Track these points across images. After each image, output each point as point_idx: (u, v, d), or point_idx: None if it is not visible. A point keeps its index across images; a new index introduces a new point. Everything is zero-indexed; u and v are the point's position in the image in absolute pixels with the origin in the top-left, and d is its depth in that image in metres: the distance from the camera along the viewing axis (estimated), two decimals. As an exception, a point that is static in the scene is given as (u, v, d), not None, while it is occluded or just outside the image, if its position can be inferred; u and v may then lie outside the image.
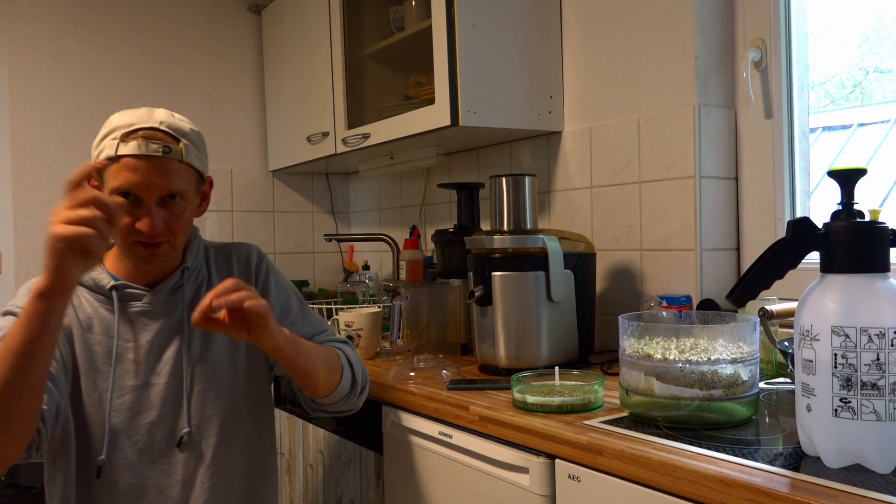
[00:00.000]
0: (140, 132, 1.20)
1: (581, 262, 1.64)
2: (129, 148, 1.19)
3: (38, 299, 1.03)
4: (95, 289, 1.30)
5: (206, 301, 1.11)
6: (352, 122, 2.31)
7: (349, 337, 1.82)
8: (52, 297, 1.03)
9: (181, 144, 1.23)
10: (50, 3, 2.51)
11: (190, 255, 1.36)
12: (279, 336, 1.19)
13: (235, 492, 1.35)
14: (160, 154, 1.20)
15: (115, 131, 1.21)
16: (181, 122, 1.26)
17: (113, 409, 1.26)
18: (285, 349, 1.22)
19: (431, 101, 1.91)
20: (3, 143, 2.45)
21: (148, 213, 1.21)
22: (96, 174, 1.24)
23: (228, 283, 1.13)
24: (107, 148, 1.20)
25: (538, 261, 1.56)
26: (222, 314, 1.13)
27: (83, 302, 1.29)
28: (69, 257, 1.01)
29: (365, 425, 1.48)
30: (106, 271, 1.32)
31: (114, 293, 1.29)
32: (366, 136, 2.20)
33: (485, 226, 2.03)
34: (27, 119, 2.48)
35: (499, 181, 1.63)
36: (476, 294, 1.59)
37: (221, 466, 1.33)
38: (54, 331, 1.06)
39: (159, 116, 1.23)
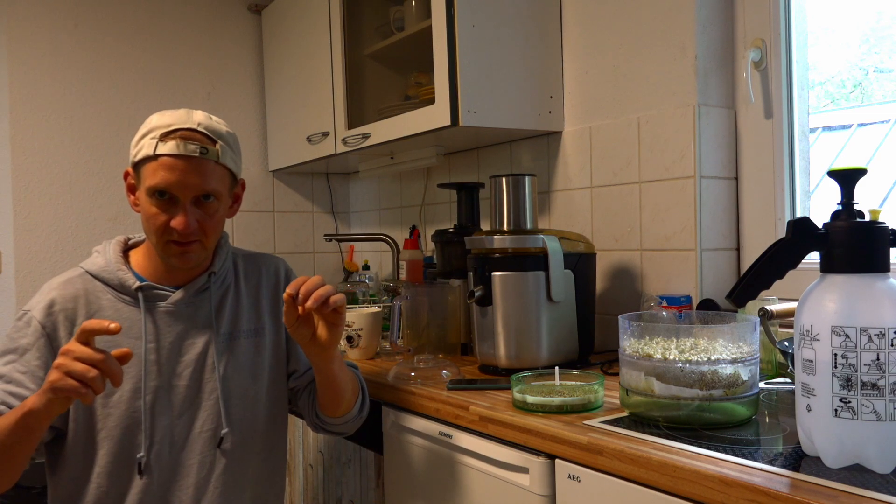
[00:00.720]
0: (178, 133, 1.22)
1: (581, 262, 1.64)
2: (168, 148, 1.21)
3: (27, 416, 1.08)
4: (120, 289, 1.29)
5: (290, 293, 1.17)
6: (352, 122, 2.31)
7: (349, 337, 1.83)
8: (43, 418, 1.08)
9: (217, 146, 1.25)
10: (50, 3, 2.51)
11: (218, 260, 1.37)
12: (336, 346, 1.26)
13: (245, 498, 1.36)
14: (197, 155, 1.22)
15: (154, 131, 1.23)
16: (218, 124, 1.28)
17: (133, 410, 1.26)
18: (337, 360, 1.29)
19: (431, 101, 1.91)
20: (3, 143, 2.45)
21: (183, 211, 1.23)
22: (133, 172, 1.27)
23: (314, 279, 1.19)
24: (145, 147, 1.23)
25: (538, 261, 1.56)
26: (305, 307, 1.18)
27: (103, 303, 1.29)
28: (64, 400, 1.06)
29: (365, 425, 1.48)
30: (132, 271, 1.32)
31: (140, 294, 1.29)
32: (366, 136, 2.20)
33: (485, 226, 2.03)
34: (27, 119, 2.48)
35: (499, 181, 1.63)
36: (476, 294, 1.59)
37: (234, 472, 1.33)
38: (43, 429, 1.12)
39: (197, 118, 1.25)
